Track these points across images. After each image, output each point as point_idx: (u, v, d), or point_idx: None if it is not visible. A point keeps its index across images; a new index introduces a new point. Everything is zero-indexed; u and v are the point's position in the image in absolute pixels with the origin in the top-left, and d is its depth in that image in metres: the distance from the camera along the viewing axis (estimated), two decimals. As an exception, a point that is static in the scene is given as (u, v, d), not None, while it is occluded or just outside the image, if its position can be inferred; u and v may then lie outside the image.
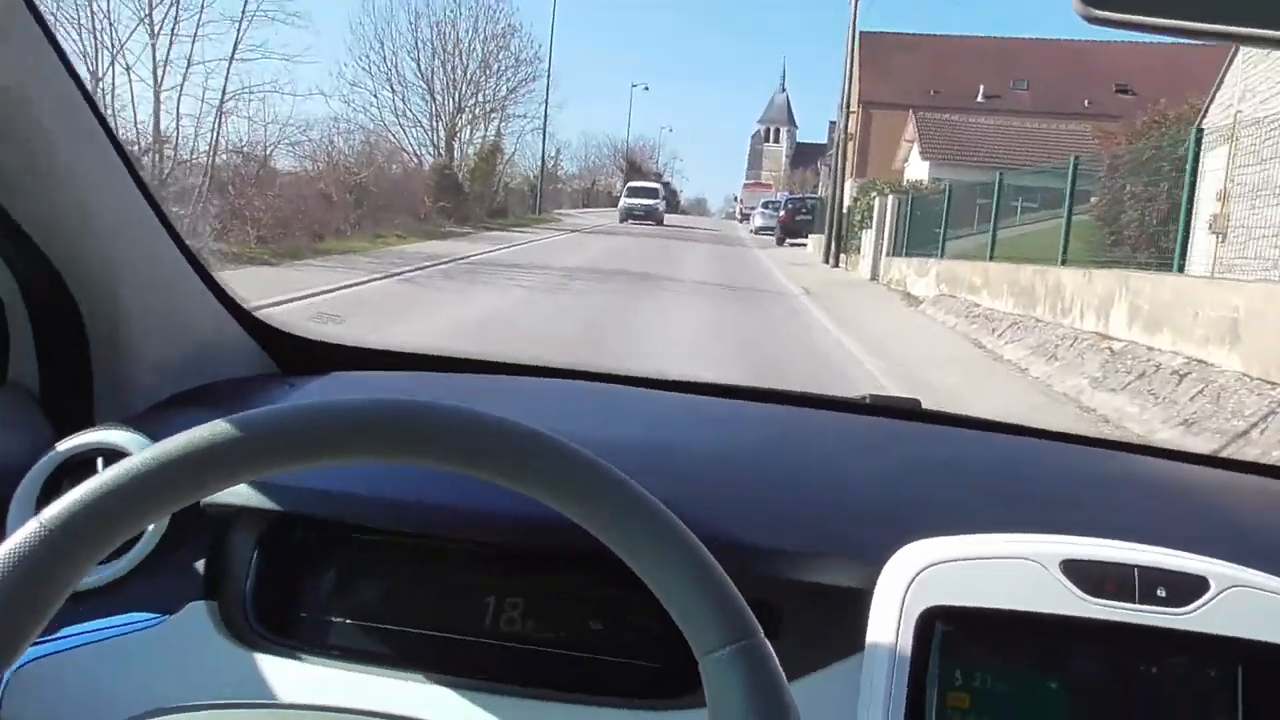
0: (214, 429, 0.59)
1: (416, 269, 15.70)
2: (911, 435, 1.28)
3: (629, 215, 41.81)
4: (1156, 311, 8.55)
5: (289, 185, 19.86)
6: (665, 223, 42.22)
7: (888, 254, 20.37)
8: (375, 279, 13.64)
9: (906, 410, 1.34)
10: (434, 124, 36.01)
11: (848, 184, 26.11)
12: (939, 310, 14.55)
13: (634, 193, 45.92)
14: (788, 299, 16.47)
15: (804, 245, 33.44)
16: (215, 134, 17.68)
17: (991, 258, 14.12)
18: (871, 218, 21.81)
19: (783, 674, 0.59)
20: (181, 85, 17.65)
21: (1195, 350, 7.74)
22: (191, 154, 16.87)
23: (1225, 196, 11.47)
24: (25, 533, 0.55)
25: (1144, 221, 11.66)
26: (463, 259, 18.41)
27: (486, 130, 38.11)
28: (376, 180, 24.93)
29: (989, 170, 25.94)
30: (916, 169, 36.09)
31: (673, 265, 20.89)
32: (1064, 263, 11.60)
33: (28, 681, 0.87)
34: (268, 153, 19.53)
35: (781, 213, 38.91)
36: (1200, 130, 10.17)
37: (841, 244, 25.13)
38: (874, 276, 20.76)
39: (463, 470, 0.62)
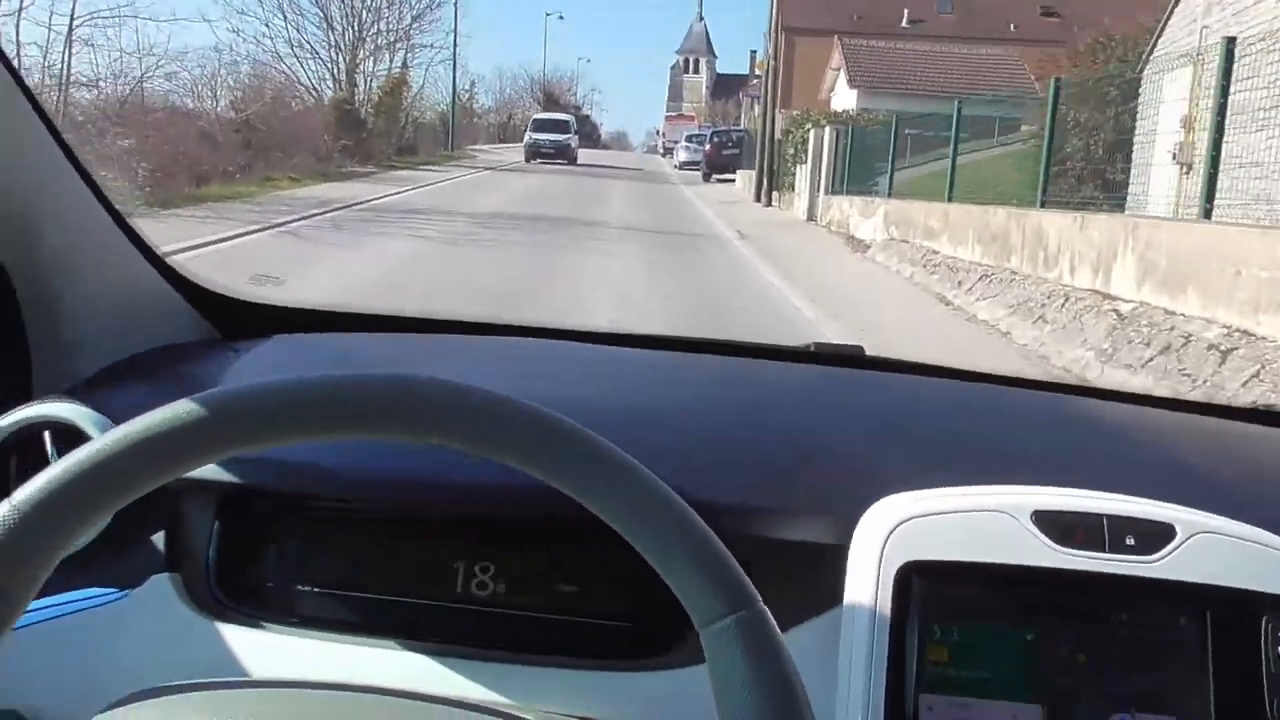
0: (180, 408, 0.58)
1: (301, 218, 13.76)
2: (861, 383, 1.30)
3: (535, 153, 36.94)
4: (1178, 267, 7.09)
5: (162, 123, 17.74)
6: (582, 161, 38.30)
7: (825, 192, 18.86)
8: (250, 231, 11.71)
9: (852, 357, 1.35)
10: (334, 55, 33.39)
11: (778, 116, 24.50)
12: (891, 257, 13.11)
13: (540, 126, 39.98)
14: (723, 245, 14.90)
15: (732, 181, 31.94)
16: (66, 65, 15.37)
17: (951, 198, 12.67)
18: (806, 152, 20.26)
19: (784, 642, 0.59)
20: (21, 7, 15.26)
21: (1237, 318, 6.32)
22: (39, 88, 14.56)
23: (1191, 124, 10.13)
24: (25, 491, 0.55)
25: (1089, 153, 10.40)
26: (358, 204, 16.51)
27: (391, 62, 35.61)
28: (267, 118, 22.76)
29: (920, 99, 24.93)
30: (844, 98, 34.75)
31: (596, 207, 19.22)
32: (1043, 204, 10.19)
33: None
34: (131, 87, 17.25)
35: (707, 147, 36.41)
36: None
37: (773, 181, 23.60)
38: (811, 217, 19.27)
39: (455, 445, 0.60)
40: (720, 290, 10.46)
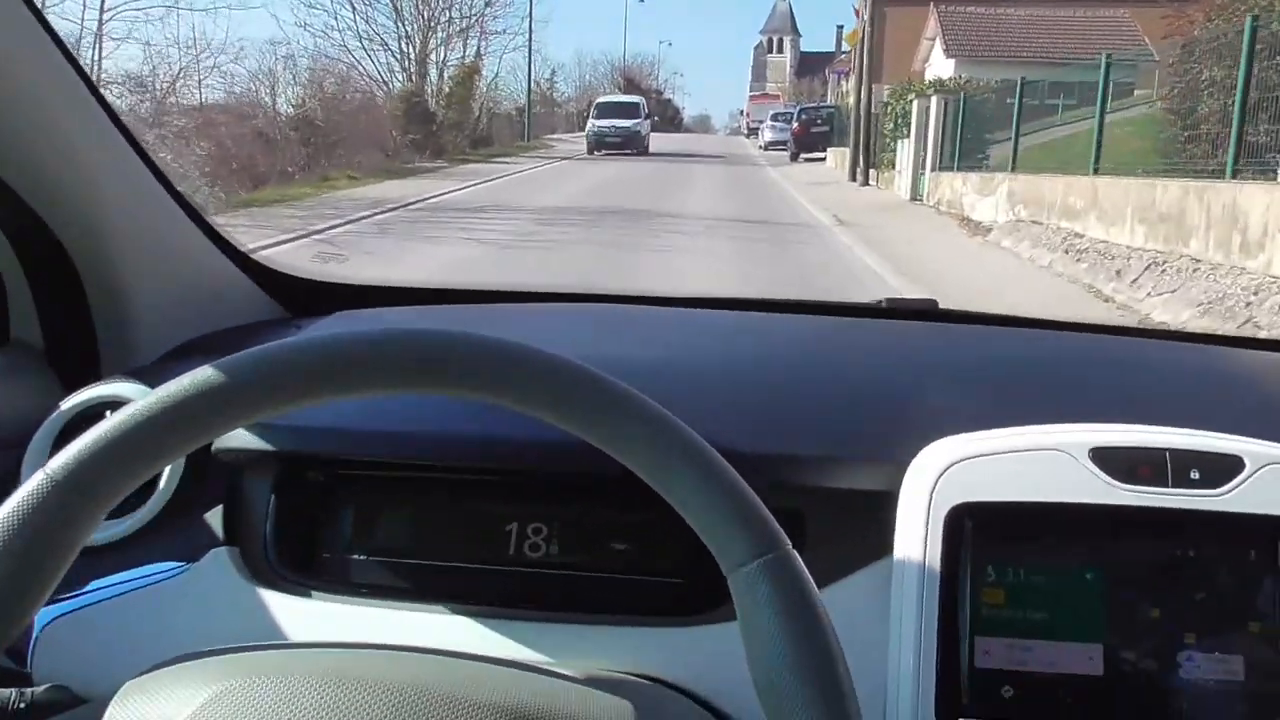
0: (208, 372, 0.58)
1: (346, 222, 12.38)
2: (930, 335, 1.29)
3: (600, 143, 31.73)
4: None
5: (212, 124, 16.60)
6: (657, 147, 33.52)
7: (932, 168, 16.81)
8: (280, 241, 10.25)
9: (924, 311, 1.35)
10: (403, 46, 32.22)
11: (874, 88, 22.49)
12: (1020, 242, 11.14)
13: (605, 111, 33.72)
14: (820, 234, 13.05)
15: (822, 160, 30.24)
16: (96, 62, 14.19)
17: (1096, 170, 10.64)
18: (907, 125, 18.22)
19: (813, 583, 0.58)
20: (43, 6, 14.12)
21: None
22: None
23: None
24: (33, 484, 0.55)
25: (1226, 115, 8.46)
26: (412, 204, 15.06)
27: (465, 51, 34.37)
28: (328, 113, 21.53)
29: (1023, 66, 22.81)
30: (940, 69, 32.33)
31: (677, 195, 17.58)
32: (1234, 174, 8.14)
33: (57, 636, 0.89)
34: (167, 85, 16.11)
35: (795, 125, 34.21)
36: None
37: (870, 158, 21.56)
38: (915, 196, 17.23)
39: (472, 395, 0.60)
40: (825, 296, 8.65)
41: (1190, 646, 0.79)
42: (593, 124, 33.40)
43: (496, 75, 35.45)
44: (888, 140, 20.57)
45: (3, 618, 0.53)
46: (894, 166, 19.43)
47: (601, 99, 38.22)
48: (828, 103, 43.23)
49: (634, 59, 79.40)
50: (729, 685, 0.83)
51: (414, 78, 30.95)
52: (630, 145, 31.59)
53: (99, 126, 1.02)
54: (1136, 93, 15.07)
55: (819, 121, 32.86)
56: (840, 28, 77.58)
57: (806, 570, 0.58)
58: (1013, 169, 13.37)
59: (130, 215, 1.07)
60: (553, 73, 58.47)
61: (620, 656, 0.86)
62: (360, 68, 29.42)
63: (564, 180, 20.96)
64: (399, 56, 32.08)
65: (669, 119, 77.30)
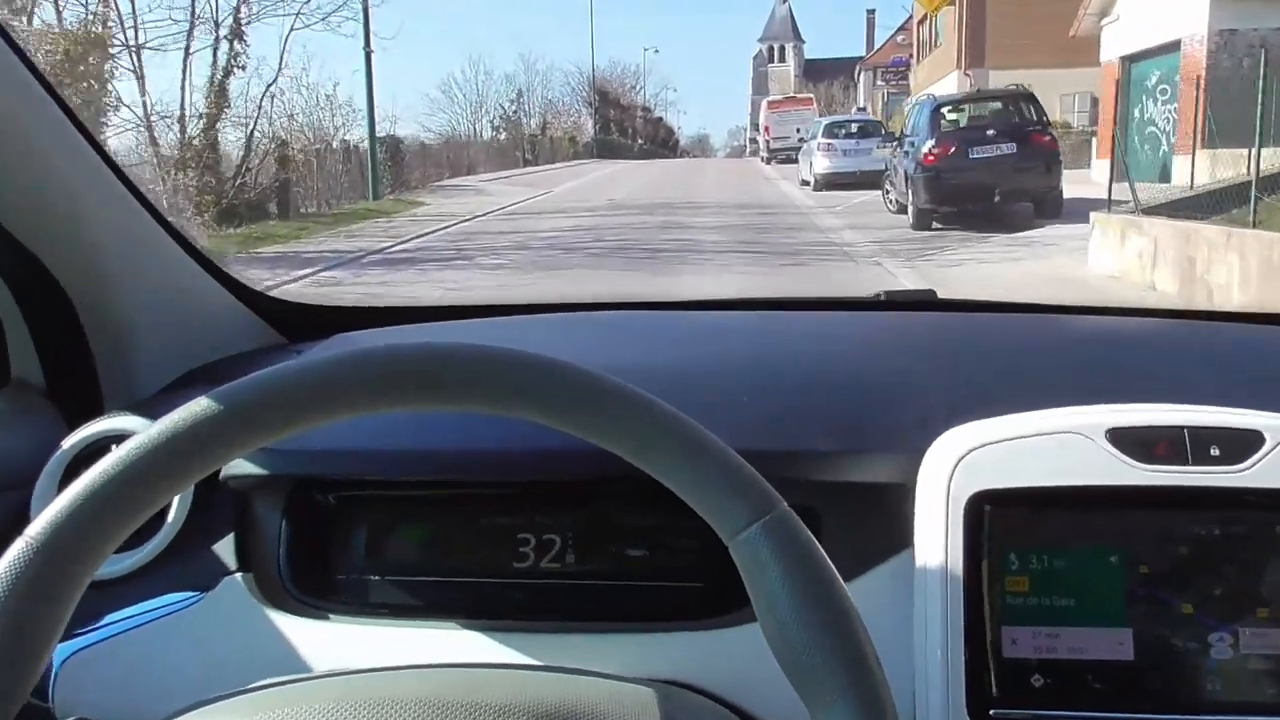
0: (199, 406, 0.58)
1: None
2: (933, 325, 1.28)
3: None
4: None
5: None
6: (634, 189, 22.60)
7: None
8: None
9: (923, 302, 1.34)
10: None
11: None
12: None
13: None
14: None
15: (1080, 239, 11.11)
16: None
17: None
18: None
19: (814, 539, 0.58)
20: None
21: None
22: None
23: None
24: (14, 552, 0.55)
25: None
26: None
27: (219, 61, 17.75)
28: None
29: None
30: (1130, 29, 18.22)
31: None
32: None
33: (78, 670, 0.89)
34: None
35: (931, 144, 12.96)
36: None
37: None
38: None
39: (455, 406, 0.60)
40: None
41: (1221, 626, 0.78)
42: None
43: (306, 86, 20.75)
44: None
45: (9, 687, 0.53)
46: None
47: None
48: (866, 112, 30.43)
49: (611, 68, 66.14)
50: (753, 685, 0.83)
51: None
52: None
53: (89, 164, 1.03)
54: None
55: (999, 134, 13.08)
56: (871, 13, 66.51)
57: (806, 528, 0.57)
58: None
59: (123, 249, 1.08)
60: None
61: (642, 662, 0.85)
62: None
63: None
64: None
65: (661, 141, 66.01)
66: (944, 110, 13.71)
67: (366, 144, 20.75)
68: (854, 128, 21.19)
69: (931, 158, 12.72)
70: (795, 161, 24.67)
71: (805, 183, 21.65)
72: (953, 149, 12.75)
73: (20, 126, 0.92)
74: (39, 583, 0.53)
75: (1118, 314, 1.30)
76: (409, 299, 8.59)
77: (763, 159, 37.97)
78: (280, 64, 17.26)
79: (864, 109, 41.33)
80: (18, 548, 0.54)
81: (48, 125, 0.95)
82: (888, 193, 15.08)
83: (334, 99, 19.09)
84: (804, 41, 77.26)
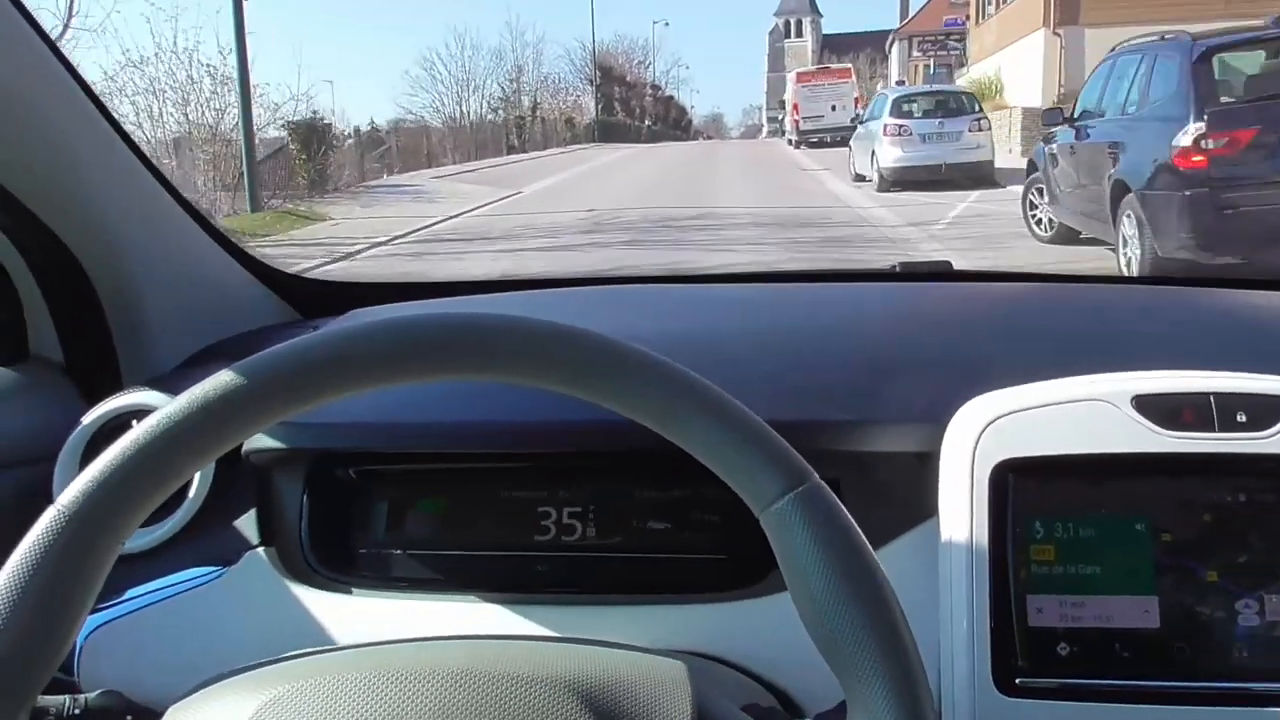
0: (220, 380, 0.58)
1: None
2: (951, 295, 1.29)
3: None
4: None
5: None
6: (637, 178, 18.88)
7: None
8: None
9: (940, 273, 1.34)
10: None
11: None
12: None
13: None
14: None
15: None
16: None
17: None
18: None
19: (845, 511, 0.57)
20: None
21: None
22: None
23: None
24: (46, 520, 0.55)
25: None
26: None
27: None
28: None
29: None
30: None
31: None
32: None
33: (102, 643, 0.90)
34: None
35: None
36: None
37: None
38: None
39: (477, 375, 0.59)
40: None
41: (1248, 593, 0.78)
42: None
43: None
44: None
45: (42, 656, 0.54)
46: None
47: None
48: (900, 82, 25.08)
49: (617, 43, 61.21)
50: (777, 656, 0.84)
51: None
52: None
53: (105, 141, 1.04)
54: None
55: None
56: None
57: (838, 500, 0.57)
58: None
59: (141, 226, 1.10)
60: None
61: (666, 634, 0.85)
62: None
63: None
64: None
65: (673, 122, 61.57)
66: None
67: (283, 133, 16.04)
68: (935, 102, 15.37)
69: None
70: (828, 145, 19.80)
71: (860, 177, 16.12)
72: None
73: (37, 105, 0.93)
74: (71, 551, 0.54)
75: (1132, 282, 1.34)
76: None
77: (790, 142, 31.68)
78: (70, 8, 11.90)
79: (902, 82, 36.13)
80: (49, 516, 0.54)
81: (64, 103, 0.97)
82: (1034, 209, 9.27)
83: (215, 71, 14.17)
84: (821, 15, 73.89)
